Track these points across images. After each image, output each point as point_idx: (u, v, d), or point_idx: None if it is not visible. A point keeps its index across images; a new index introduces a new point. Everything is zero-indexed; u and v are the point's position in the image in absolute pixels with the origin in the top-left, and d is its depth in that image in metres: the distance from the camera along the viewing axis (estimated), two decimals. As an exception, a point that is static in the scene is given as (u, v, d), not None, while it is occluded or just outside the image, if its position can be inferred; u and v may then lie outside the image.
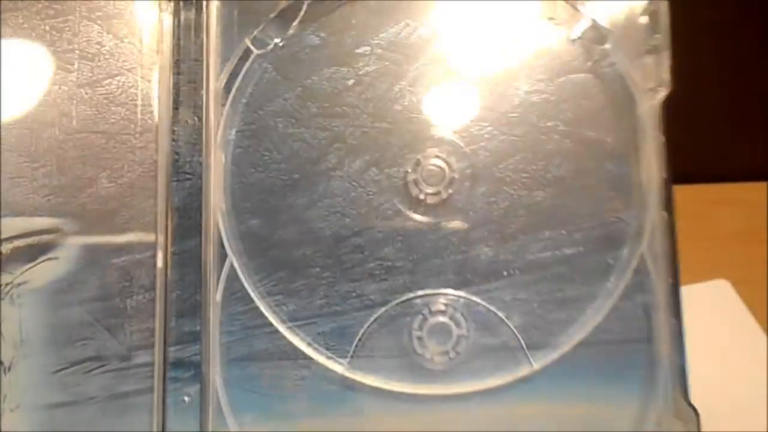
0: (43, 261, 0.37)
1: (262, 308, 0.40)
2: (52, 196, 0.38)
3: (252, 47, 0.41)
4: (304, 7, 0.42)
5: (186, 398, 0.38)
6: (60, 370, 0.36)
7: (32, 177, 0.38)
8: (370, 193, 0.42)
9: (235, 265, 0.40)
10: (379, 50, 0.42)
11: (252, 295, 0.40)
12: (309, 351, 0.40)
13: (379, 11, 0.42)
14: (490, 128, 0.43)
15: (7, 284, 0.37)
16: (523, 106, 0.43)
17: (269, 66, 0.42)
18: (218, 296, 0.39)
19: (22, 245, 0.37)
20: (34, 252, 0.37)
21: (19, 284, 0.36)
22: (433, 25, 0.42)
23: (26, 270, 0.36)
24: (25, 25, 0.38)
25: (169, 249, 0.38)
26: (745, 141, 0.60)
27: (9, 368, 0.36)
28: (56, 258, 0.37)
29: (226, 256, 0.39)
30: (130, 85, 0.40)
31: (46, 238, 0.37)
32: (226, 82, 0.41)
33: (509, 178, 0.42)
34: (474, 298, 0.41)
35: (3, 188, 0.37)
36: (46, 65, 0.39)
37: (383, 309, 0.41)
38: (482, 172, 0.42)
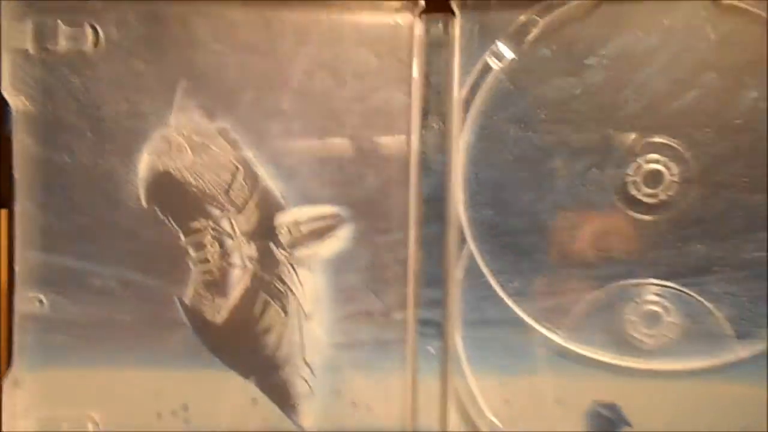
0: (329, 239, 0.33)
1: (493, 284, 0.36)
2: (334, 189, 0.32)
3: (491, 63, 0.36)
4: (539, 25, 0.35)
5: (431, 349, 0.37)
6: (342, 319, 0.32)
7: (320, 175, 0.33)
8: (591, 191, 0.35)
9: (472, 247, 0.36)
10: (606, 61, 0.31)
11: (485, 272, 0.36)
12: (530, 321, 0.36)
13: (608, 24, 0.31)
14: (712, 134, 0.32)
15: (305, 255, 0.34)
16: (749, 113, 0.32)
17: (504, 77, 0.35)
18: (458, 273, 0.37)
19: (316, 227, 0.32)
20: (323, 232, 0.32)
21: (313, 256, 0.33)
22: (661, 34, 0.33)
23: (318, 245, 0.33)
24: (315, 52, 0.32)
25: (418, 231, 0.32)
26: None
27: (309, 316, 0.37)
28: (337, 237, 0.33)
29: (464, 239, 0.33)
30: (389, 97, 0.32)
31: (330, 221, 0.33)
32: (467, 92, 0.36)
33: (728, 182, 0.31)
34: (685, 290, 0.34)
35: (314, 186, 0.32)
36: (327, 85, 0.36)
37: (598, 292, 0.35)
38: (701, 176, 0.30)
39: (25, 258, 0.30)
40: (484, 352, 0.32)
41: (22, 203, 0.30)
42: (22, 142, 0.30)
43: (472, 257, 0.32)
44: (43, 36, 0.30)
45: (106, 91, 0.31)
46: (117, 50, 0.30)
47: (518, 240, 0.32)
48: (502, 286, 0.32)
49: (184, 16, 0.30)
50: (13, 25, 0.30)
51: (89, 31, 0.30)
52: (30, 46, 0.30)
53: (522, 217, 0.32)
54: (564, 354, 0.31)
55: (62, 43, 0.30)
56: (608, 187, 0.29)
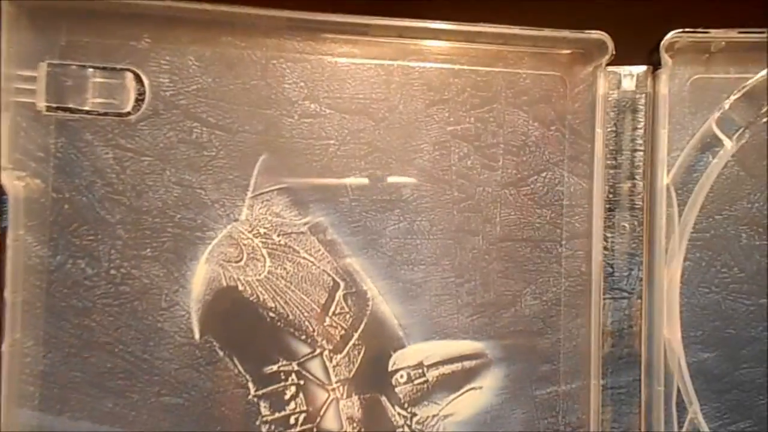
0: (467, 390, 0.23)
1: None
2: (476, 315, 0.22)
3: (719, 134, 0.24)
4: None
5: None
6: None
7: (457, 294, 0.23)
8: None
9: (695, 409, 0.23)
10: None
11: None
12: None
13: None
14: None
15: (433, 416, 0.24)
16: None
17: (732, 159, 0.24)
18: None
19: (448, 372, 0.23)
20: (459, 380, 0.22)
21: (445, 416, 0.22)
22: None
23: (452, 400, 0.23)
24: (451, 119, 0.23)
25: (604, 381, 0.24)
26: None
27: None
28: (480, 387, 0.23)
29: (675, 395, 0.23)
30: (557, 182, 0.23)
31: (470, 364, 0.24)
32: (677, 178, 0.24)
33: None
34: None
35: (448, 311, 0.23)
36: (470, 163, 0.25)
37: None
38: None
39: (13, 420, 0.20)
40: None
41: (12, 337, 0.20)
42: (20, 244, 0.20)
43: (690, 421, 0.22)
44: (62, 88, 0.20)
45: (151, 169, 0.21)
46: (169, 109, 0.21)
47: (757, 399, 0.22)
48: (737, 469, 0.20)
49: (266, 62, 0.21)
50: (18, 73, 0.20)
51: (131, 81, 0.21)
52: (42, 102, 0.20)
53: (762, 365, 0.22)
54: None
55: (92, 99, 0.21)
56: None
